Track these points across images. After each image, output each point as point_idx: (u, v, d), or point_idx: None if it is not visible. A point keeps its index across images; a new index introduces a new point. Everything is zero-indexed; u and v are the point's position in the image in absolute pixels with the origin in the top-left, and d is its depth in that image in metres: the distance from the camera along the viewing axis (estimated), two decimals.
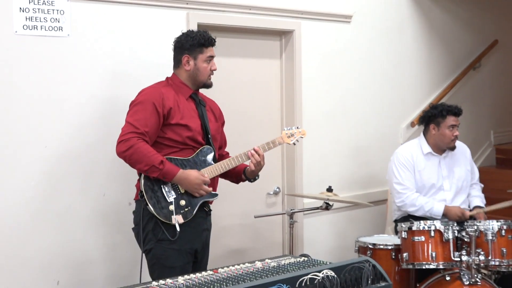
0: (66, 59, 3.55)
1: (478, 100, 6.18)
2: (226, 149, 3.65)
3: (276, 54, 4.66)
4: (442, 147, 4.45)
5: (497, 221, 3.75)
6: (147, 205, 3.19)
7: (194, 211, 3.27)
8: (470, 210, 4.33)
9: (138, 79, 3.71)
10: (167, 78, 3.42)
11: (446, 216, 4.28)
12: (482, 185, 4.66)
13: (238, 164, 3.41)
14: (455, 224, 3.78)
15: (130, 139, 3.13)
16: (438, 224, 3.74)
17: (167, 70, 3.46)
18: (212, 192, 3.35)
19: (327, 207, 3.99)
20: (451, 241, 3.70)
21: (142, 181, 3.23)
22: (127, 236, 3.60)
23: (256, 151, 3.39)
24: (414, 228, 3.76)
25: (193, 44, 3.32)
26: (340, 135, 4.95)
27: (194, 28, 3.95)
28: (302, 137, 3.58)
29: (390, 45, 5.25)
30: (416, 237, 3.75)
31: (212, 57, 3.35)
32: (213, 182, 3.41)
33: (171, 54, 3.42)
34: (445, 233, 3.70)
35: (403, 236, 3.80)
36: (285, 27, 4.54)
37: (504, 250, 3.70)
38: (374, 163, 5.18)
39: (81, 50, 3.60)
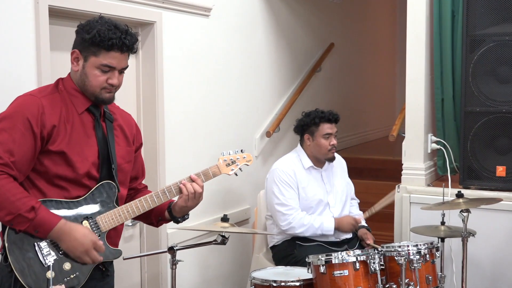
0: None
1: (320, 104, 5.86)
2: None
3: None
4: (320, 159, 3.98)
5: (414, 245, 3.32)
6: (13, 271, 2.16)
7: (85, 279, 2.30)
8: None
9: None
10: (58, 80, 2.36)
11: (339, 229, 3.86)
12: (358, 200, 4.28)
13: (161, 203, 2.48)
14: (376, 251, 3.26)
15: None
16: (358, 252, 3.18)
17: (13, 68, 2.49)
18: (113, 249, 2.39)
19: (223, 241, 3.21)
20: (378, 273, 3.17)
21: (6, 236, 2.17)
22: None
23: (193, 180, 2.51)
24: (334, 261, 3.15)
25: (86, 39, 2.30)
26: (201, 145, 4.17)
27: (45, 13, 2.89)
28: (247, 165, 2.75)
29: (245, 43, 4.62)
30: (337, 272, 3.14)
31: (109, 67, 2.33)
32: (116, 232, 2.44)
33: (19, 44, 2.44)
34: (371, 264, 3.15)
35: (321, 271, 3.16)
36: (145, 17, 3.64)
37: (430, 277, 3.29)
38: (233, 179, 4.47)
39: None
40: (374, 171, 5.33)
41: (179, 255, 3.05)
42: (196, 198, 2.55)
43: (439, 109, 4.37)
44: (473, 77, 4.08)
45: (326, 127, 3.94)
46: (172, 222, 2.68)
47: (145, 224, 3.72)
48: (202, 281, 4.22)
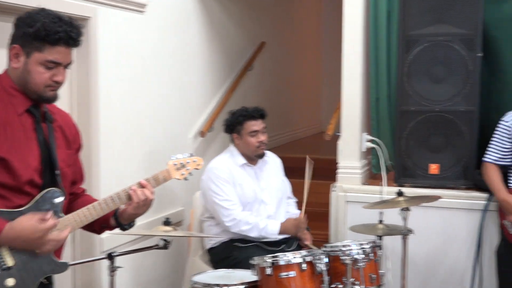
0: None
1: (252, 103, 5.80)
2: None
3: None
4: (251, 156, 3.93)
5: (359, 243, 3.32)
6: None
7: None
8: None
9: None
10: None
11: (285, 232, 3.81)
12: (296, 199, 4.25)
13: (110, 211, 2.34)
14: (321, 251, 3.24)
15: None
16: (305, 253, 3.15)
17: None
18: (60, 262, 2.24)
19: (165, 245, 3.11)
20: (324, 273, 3.14)
21: None
22: None
23: (143, 186, 2.38)
24: (281, 262, 3.10)
25: (28, 33, 2.12)
26: (134, 145, 4.01)
27: None
28: (197, 169, 2.64)
29: (178, 41, 4.49)
30: (284, 273, 3.09)
31: (54, 63, 2.16)
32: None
33: None
34: (317, 265, 3.12)
35: (267, 273, 3.10)
36: (79, 12, 3.45)
37: (374, 276, 3.29)
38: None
39: None
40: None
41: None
42: (146, 205, 2.42)
43: (374, 108, 4.41)
44: (408, 76, 4.14)
45: (251, 125, 3.89)
46: (116, 229, 2.54)
47: (78, 230, 3.54)
48: (136, 285, 4.07)
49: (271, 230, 3.78)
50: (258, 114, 3.91)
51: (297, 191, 4.19)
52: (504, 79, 4.18)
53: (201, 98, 4.89)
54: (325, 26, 8.42)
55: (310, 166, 3.85)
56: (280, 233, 3.81)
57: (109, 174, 3.68)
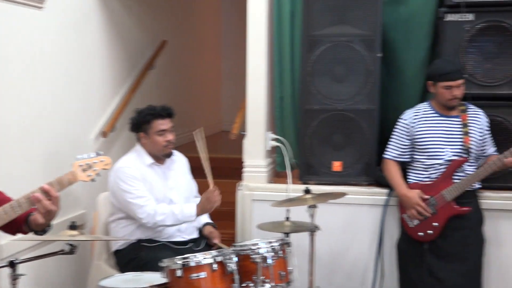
0: None
1: (155, 102, 5.72)
2: None
3: None
4: (158, 155, 3.87)
5: (268, 241, 3.34)
6: None
7: None
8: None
9: None
10: None
11: (203, 210, 3.75)
12: None
13: (11, 219, 2.20)
14: (231, 250, 3.23)
15: None
16: (215, 253, 3.13)
17: None
18: None
19: (72, 250, 3.00)
20: (235, 272, 3.14)
21: None
22: None
23: (46, 191, 2.25)
24: (191, 263, 3.06)
25: None
26: (32, 146, 3.84)
27: None
28: (105, 169, 2.53)
29: (78, 38, 4.33)
30: (194, 274, 3.06)
31: None
32: None
33: None
34: (228, 264, 3.11)
35: (178, 275, 3.06)
36: None
37: (283, 273, 3.33)
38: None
39: None
40: (212, 169, 5.29)
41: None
42: (49, 214, 2.31)
43: (278, 107, 4.46)
44: (311, 76, 4.21)
45: (159, 123, 3.82)
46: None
47: None
48: None
49: (188, 213, 3.71)
50: (166, 113, 3.85)
51: (201, 191, 4.17)
52: (401, 79, 4.35)
53: (102, 98, 4.75)
54: (225, 25, 8.43)
55: (201, 135, 3.80)
56: (198, 213, 3.73)
57: (2, 176, 3.48)
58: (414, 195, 3.72)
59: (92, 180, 2.51)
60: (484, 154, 3.82)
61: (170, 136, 3.85)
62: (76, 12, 4.29)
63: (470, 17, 3.98)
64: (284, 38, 4.35)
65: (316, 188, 4.00)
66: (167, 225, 3.71)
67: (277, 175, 4.60)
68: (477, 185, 3.77)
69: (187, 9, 7.10)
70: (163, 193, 3.82)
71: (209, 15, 8.18)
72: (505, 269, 3.99)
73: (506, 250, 3.99)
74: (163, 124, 3.82)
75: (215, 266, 3.07)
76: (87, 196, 4.33)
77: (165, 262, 3.12)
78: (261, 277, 3.19)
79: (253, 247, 3.25)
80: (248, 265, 3.24)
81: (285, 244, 3.41)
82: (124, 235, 3.78)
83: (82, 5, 4.38)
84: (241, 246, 3.32)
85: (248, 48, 4.33)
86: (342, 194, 3.71)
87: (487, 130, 3.81)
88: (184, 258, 3.07)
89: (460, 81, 3.68)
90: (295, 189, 4.11)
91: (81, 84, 4.39)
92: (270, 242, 3.32)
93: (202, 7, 7.80)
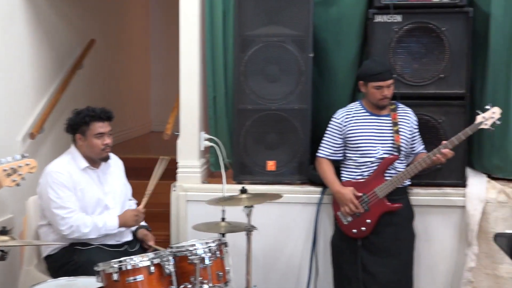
0: None
1: (84, 103, 5.59)
2: None
3: None
4: (94, 159, 3.78)
5: (205, 242, 3.33)
6: None
7: None
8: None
9: None
10: None
11: (125, 225, 3.72)
12: (135, 201, 4.16)
13: None
14: (168, 252, 3.20)
15: None
16: (152, 256, 3.09)
17: None
18: None
19: (3, 256, 2.90)
20: (173, 274, 3.11)
21: None
22: None
23: None
24: (127, 266, 3.01)
25: None
26: None
27: None
28: (31, 172, 2.43)
29: (2, 38, 4.20)
30: (131, 278, 3.01)
31: None
32: None
33: None
34: (165, 266, 3.08)
35: (114, 279, 3.00)
36: None
37: (221, 274, 3.33)
38: None
39: None
40: (143, 170, 5.22)
41: None
42: None
43: (212, 106, 4.45)
44: (244, 76, 4.22)
45: (98, 126, 3.72)
46: None
47: None
48: None
49: (110, 226, 3.66)
50: (105, 116, 3.75)
51: (139, 194, 4.12)
52: (333, 79, 4.43)
53: (29, 98, 4.61)
54: (154, 25, 8.34)
55: (164, 164, 3.80)
56: (120, 226, 3.70)
57: None
58: (348, 192, 3.79)
59: (18, 185, 2.42)
60: (414, 152, 3.93)
61: (108, 140, 3.75)
62: None
63: (398, 18, 4.09)
64: (217, 38, 4.34)
65: (250, 188, 4.01)
66: (89, 238, 3.63)
67: (211, 175, 4.59)
68: (407, 182, 3.87)
69: (115, 8, 6.98)
70: (97, 197, 3.73)
71: (137, 15, 8.07)
72: (434, 262, 4.13)
73: (435, 245, 4.12)
74: (102, 127, 3.72)
75: (152, 268, 3.04)
76: (15, 199, 4.19)
77: (101, 266, 3.06)
78: (199, 278, 3.18)
79: (190, 248, 3.24)
80: (185, 267, 3.22)
81: (222, 245, 3.41)
82: (55, 239, 3.68)
83: (6, 3, 4.23)
84: (177, 247, 3.30)
85: (181, 48, 4.30)
86: (279, 196, 3.73)
87: (416, 129, 3.92)
88: (120, 262, 3.02)
89: (390, 81, 3.77)
90: (230, 189, 4.11)
91: (6, 85, 4.24)
92: (207, 243, 3.31)
93: (131, 6, 7.69)
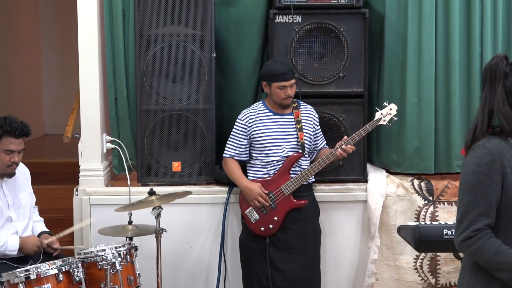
0: None
1: None
2: None
3: None
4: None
5: (114, 247, 3.26)
6: None
7: None
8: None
9: None
10: None
11: (22, 250, 3.52)
12: (37, 207, 3.99)
13: None
14: (77, 259, 3.11)
15: None
16: (60, 263, 3.00)
17: None
18: None
19: None
20: (83, 281, 3.02)
21: None
22: None
23: None
24: (33, 276, 2.90)
25: None
26: None
27: None
28: None
29: None
30: (38, 287, 2.91)
31: None
32: None
33: None
34: (75, 273, 2.99)
35: None
36: None
37: (131, 278, 3.27)
38: None
39: None
40: (41, 175, 5.04)
41: None
42: None
43: (113, 108, 4.36)
44: (146, 76, 4.17)
45: (10, 142, 3.46)
46: None
47: None
48: None
49: (11, 247, 3.48)
50: (21, 133, 3.49)
51: (42, 199, 4.00)
52: (235, 78, 4.45)
53: None
54: (44, 24, 8.02)
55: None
56: (19, 249, 3.51)
57: None
58: (256, 186, 3.82)
59: None
60: (317, 148, 4.03)
61: (16, 158, 3.52)
62: None
63: (298, 18, 4.18)
64: (117, 37, 4.26)
65: (157, 190, 3.98)
66: None
67: (115, 178, 4.49)
68: (312, 179, 3.97)
69: (2, 7, 6.66)
70: (1, 209, 3.54)
71: (26, 14, 7.74)
72: (338, 256, 4.25)
73: (340, 239, 4.25)
74: (15, 144, 3.48)
75: (60, 276, 2.96)
76: None
77: (4, 276, 2.94)
78: (110, 284, 3.11)
79: (100, 254, 3.16)
80: (95, 273, 3.16)
81: (132, 249, 3.36)
82: None
83: None
84: (86, 253, 3.21)
85: (80, 48, 4.19)
86: (187, 193, 3.72)
87: (318, 125, 4.02)
88: (26, 271, 2.92)
89: (292, 81, 3.85)
90: (135, 192, 4.05)
91: None
92: (117, 247, 3.25)
93: (19, 6, 7.36)
